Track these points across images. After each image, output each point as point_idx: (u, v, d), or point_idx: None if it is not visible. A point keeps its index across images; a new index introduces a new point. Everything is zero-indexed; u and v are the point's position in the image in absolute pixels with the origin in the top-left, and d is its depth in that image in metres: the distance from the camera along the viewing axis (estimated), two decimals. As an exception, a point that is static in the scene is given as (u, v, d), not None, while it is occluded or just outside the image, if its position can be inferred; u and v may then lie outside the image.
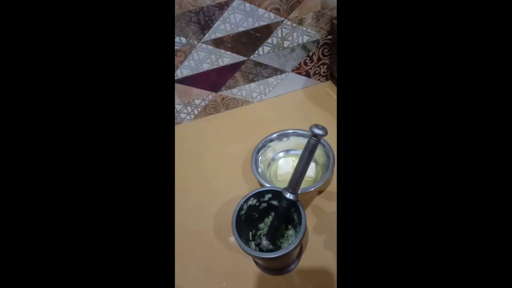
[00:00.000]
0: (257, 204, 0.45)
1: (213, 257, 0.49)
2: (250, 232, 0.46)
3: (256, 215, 0.46)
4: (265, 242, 0.44)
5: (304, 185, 0.55)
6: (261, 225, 0.48)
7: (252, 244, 0.44)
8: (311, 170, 0.57)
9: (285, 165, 0.58)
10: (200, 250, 0.50)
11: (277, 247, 0.45)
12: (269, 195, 0.44)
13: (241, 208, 0.42)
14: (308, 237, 0.49)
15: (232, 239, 0.51)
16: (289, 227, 0.47)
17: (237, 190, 0.58)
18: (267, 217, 0.48)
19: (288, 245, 0.39)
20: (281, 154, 0.62)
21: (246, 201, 0.43)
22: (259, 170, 0.57)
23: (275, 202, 0.45)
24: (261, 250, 0.44)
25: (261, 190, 0.43)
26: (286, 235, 0.47)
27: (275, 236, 0.44)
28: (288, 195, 0.39)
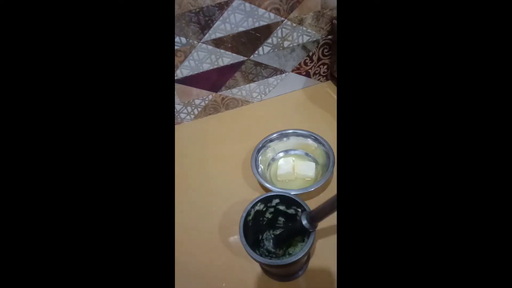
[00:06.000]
0: (264, 209, 0.44)
1: (213, 257, 0.49)
2: (257, 237, 0.45)
3: (264, 221, 0.46)
4: (271, 247, 0.43)
5: (304, 185, 0.55)
6: (269, 231, 0.47)
7: (259, 249, 0.44)
8: (311, 170, 0.57)
9: (285, 165, 0.58)
10: (200, 250, 0.50)
11: (283, 253, 0.44)
12: (277, 200, 0.44)
13: (248, 214, 0.41)
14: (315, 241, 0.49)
15: (232, 239, 0.51)
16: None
17: (237, 190, 0.58)
18: (275, 223, 0.47)
19: (295, 251, 0.39)
20: (281, 154, 0.62)
21: (253, 206, 0.42)
22: (259, 170, 0.57)
23: (282, 207, 0.44)
24: (267, 254, 0.44)
25: (268, 195, 0.43)
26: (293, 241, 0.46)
27: (282, 244, 0.44)
28: (305, 223, 0.37)
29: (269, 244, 0.44)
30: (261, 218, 0.45)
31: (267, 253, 0.44)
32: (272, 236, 0.46)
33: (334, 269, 0.45)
